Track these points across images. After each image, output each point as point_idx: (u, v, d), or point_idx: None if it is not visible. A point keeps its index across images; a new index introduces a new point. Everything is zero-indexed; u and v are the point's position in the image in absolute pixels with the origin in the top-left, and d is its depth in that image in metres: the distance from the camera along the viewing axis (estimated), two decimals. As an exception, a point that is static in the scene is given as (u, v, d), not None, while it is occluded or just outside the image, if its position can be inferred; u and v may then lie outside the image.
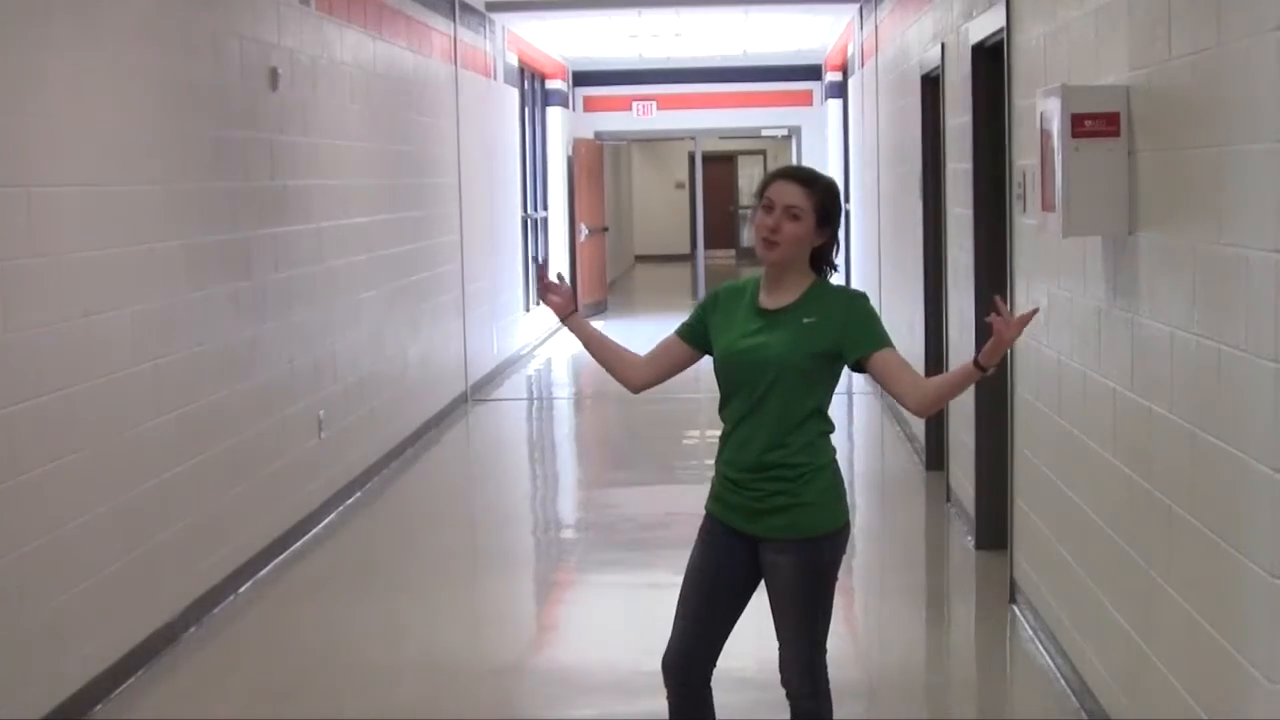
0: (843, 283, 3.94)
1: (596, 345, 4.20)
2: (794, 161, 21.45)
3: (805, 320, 3.88)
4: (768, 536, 3.93)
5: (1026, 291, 5.96)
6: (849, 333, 3.86)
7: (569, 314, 4.20)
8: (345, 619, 6.57)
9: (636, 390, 4.18)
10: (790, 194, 3.90)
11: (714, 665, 4.09)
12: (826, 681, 4.03)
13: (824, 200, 3.91)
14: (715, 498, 4.04)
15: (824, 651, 4.02)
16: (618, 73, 20.47)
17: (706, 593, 4.04)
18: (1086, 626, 5.10)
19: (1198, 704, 3.87)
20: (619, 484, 9.62)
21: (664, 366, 4.14)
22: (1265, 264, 3.31)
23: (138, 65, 5.99)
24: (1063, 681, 5.39)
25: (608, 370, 4.20)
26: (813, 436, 3.92)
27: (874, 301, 12.53)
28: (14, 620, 4.93)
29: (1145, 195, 4.27)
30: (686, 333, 4.10)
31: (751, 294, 4.00)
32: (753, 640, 5.34)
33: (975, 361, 3.77)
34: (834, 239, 3.97)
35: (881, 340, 3.87)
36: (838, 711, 4.03)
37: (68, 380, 5.29)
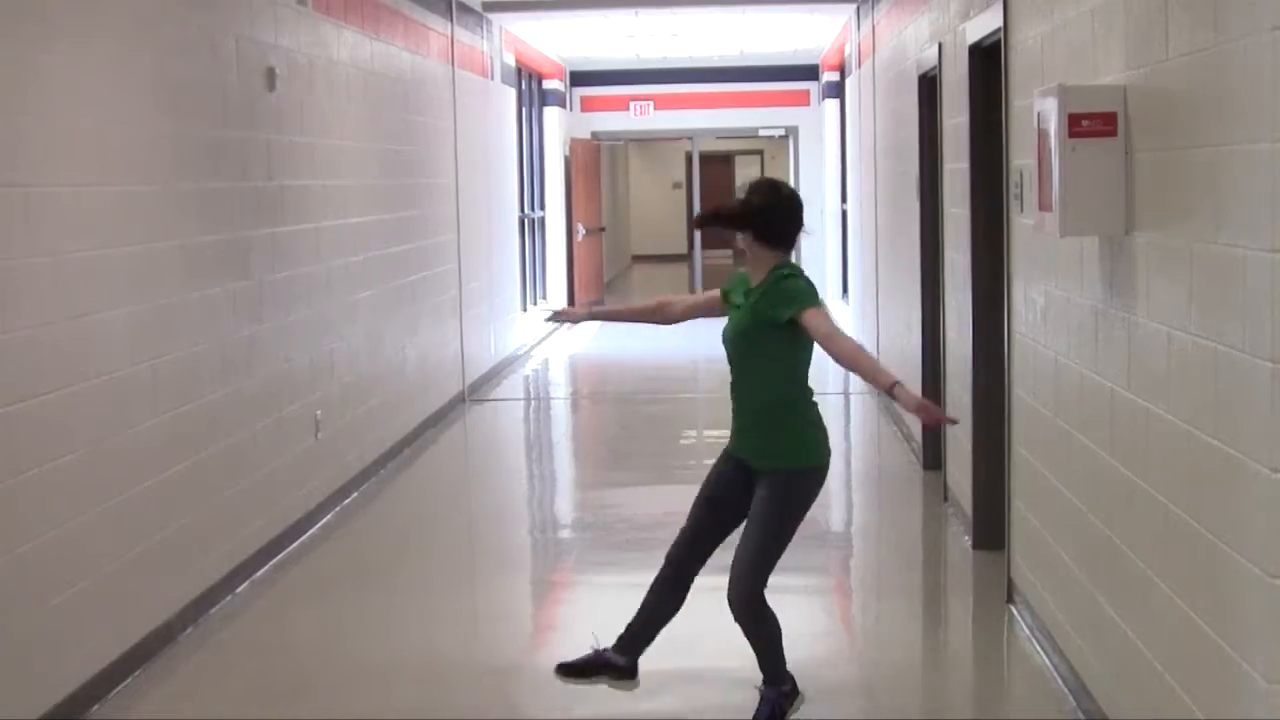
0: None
1: (625, 317, 5.85)
2: (791, 162, 21.51)
3: (759, 297, 4.83)
4: (756, 469, 4.89)
5: (1024, 291, 5.96)
6: (776, 302, 4.77)
7: (587, 315, 5.65)
8: (343, 619, 6.57)
9: (675, 323, 5.41)
10: None
11: (701, 564, 5.04)
12: (762, 604, 4.84)
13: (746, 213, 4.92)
14: (731, 438, 5.01)
15: (763, 581, 4.82)
16: (615, 73, 20.47)
17: (709, 499, 5.02)
18: (1084, 626, 5.11)
19: (1195, 704, 3.87)
20: (616, 484, 9.61)
21: (702, 309, 5.31)
22: (1262, 263, 3.31)
23: (135, 65, 5.98)
24: (1060, 681, 5.39)
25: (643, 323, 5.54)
26: (779, 395, 4.86)
27: (871, 300, 12.45)
28: (11, 620, 4.92)
29: (1142, 195, 4.27)
30: (723, 292, 5.10)
31: (745, 283, 4.99)
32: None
33: (891, 389, 4.58)
34: (764, 229, 4.88)
35: (802, 304, 4.72)
36: (834, 712, 4.07)
37: (65, 380, 5.29)
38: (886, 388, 4.57)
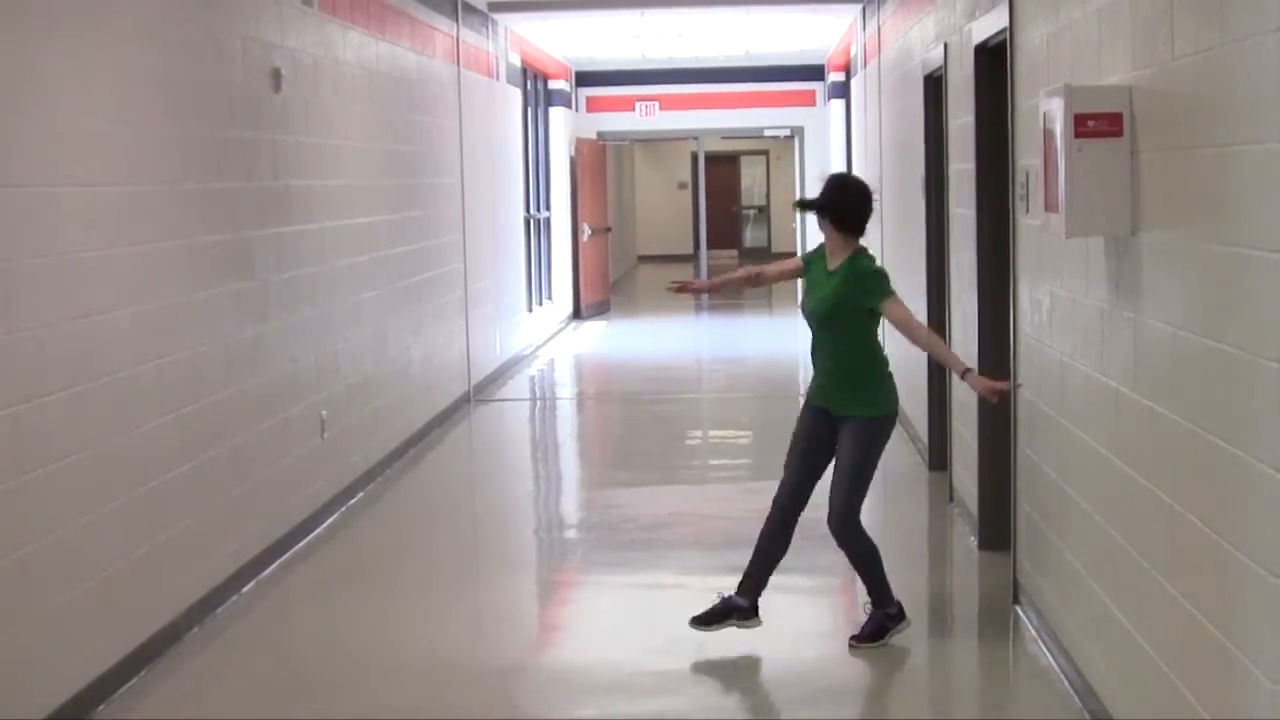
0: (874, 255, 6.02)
1: (728, 286, 6.64)
2: (796, 161, 21.48)
3: (840, 282, 5.75)
4: (836, 415, 5.79)
5: (1029, 291, 5.96)
6: (859, 290, 5.74)
7: (707, 287, 6.81)
8: (348, 619, 6.57)
9: (767, 286, 6.80)
10: None
11: (803, 507, 5.87)
12: (859, 528, 5.82)
13: (824, 204, 5.93)
14: (811, 388, 5.92)
15: (856, 507, 5.80)
16: (620, 73, 20.47)
17: (802, 451, 5.86)
18: (1089, 627, 5.10)
19: (1200, 704, 3.87)
20: (621, 484, 9.61)
21: (789, 275, 6.30)
22: (1268, 264, 3.31)
23: (140, 65, 5.99)
24: (1065, 682, 5.39)
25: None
26: (858, 360, 5.77)
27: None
28: (16, 620, 4.93)
29: (1148, 195, 4.26)
30: (804, 263, 6.01)
31: (823, 260, 5.89)
32: (760, 638, 5.35)
33: (964, 375, 5.75)
34: (839, 217, 5.86)
35: (882, 295, 5.73)
36: (840, 712, 4.07)
37: (70, 381, 5.29)
38: (960, 372, 5.74)
